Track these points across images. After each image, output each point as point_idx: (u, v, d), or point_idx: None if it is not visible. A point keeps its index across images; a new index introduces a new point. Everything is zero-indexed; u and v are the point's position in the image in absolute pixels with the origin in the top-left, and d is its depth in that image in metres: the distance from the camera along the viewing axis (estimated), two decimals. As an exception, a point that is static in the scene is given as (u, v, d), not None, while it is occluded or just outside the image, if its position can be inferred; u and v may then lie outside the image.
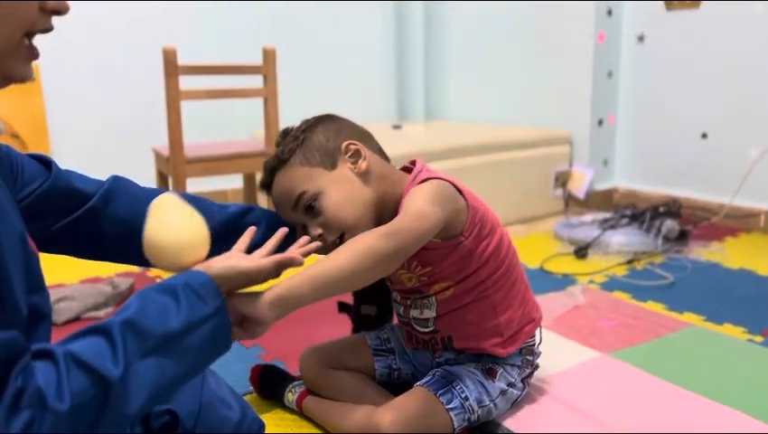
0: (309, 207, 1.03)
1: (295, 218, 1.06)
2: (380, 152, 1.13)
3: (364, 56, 3.36)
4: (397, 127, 3.06)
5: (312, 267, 0.84)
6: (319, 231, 1.02)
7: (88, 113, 2.64)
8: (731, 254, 2.25)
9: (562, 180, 2.89)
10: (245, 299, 0.78)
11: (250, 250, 1.08)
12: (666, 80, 2.76)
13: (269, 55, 2.00)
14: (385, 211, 1.06)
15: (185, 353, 0.69)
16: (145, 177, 2.30)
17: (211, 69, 1.94)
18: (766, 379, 1.31)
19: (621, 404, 1.20)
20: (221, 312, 0.73)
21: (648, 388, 1.26)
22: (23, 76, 0.65)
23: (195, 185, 2.34)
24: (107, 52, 2.67)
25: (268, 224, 1.10)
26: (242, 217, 1.09)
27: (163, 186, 2.15)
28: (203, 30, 2.84)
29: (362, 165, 1.06)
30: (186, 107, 1.92)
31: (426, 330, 1.16)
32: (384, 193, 1.07)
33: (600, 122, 2.88)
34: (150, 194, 1.02)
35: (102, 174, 1.06)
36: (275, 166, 1.07)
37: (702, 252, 2.26)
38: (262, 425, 0.93)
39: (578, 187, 2.89)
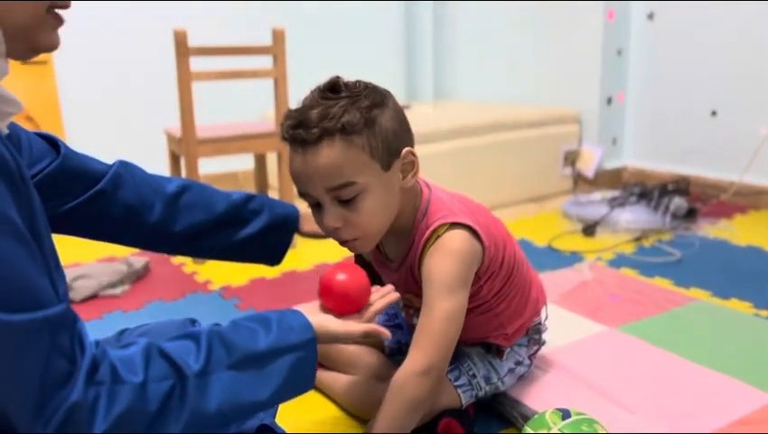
0: (345, 199, 0.90)
1: (316, 193, 0.91)
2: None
3: (373, 36, 3.35)
4: (405, 107, 3.06)
5: (377, 424, 0.93)
6: (338, 224, 0.92)
7: (100, 95, 2.67)
8: (739, 231, 2.26)
9: (571, 159, 2.89)
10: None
11: (253, 239, 1.10)
12: (675, 57, 2.74)
13: (279, 36, 2.01)
14: (397, 223, 1.00)
15: (267, 376, 0.71)
16: (158, 158, 2.34)
17: (222, 50, 1.96)
18: (770, 351, 1.33)
19: (626, 376, 1.22)
20: (310, 346, 0.75)
21: (652, 360, 1.28)
22: (51, 45, 0.65)
23: (207, 166, 2.37)
24: (119, 35, 2.69)
25: (270, 212, 1.12)
26: (245, 205, 1.10)
27: (175, 167, 2.18)
28: (213, 11, 2.85)
29: (410, 180, 0.96)
30: (196, 87, 1.94)
31: None
32: (405, 205, 1.00)
33: (609, 100, 2.88)
34: (155, 181, 1.05)
35: (115, 156, 1.08)
36: (326, 132, 0.87)
37: (710, 229, 2.27)
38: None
39: (587, 166, 2.89)
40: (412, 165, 0.96)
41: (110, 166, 1.01)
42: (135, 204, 1.00)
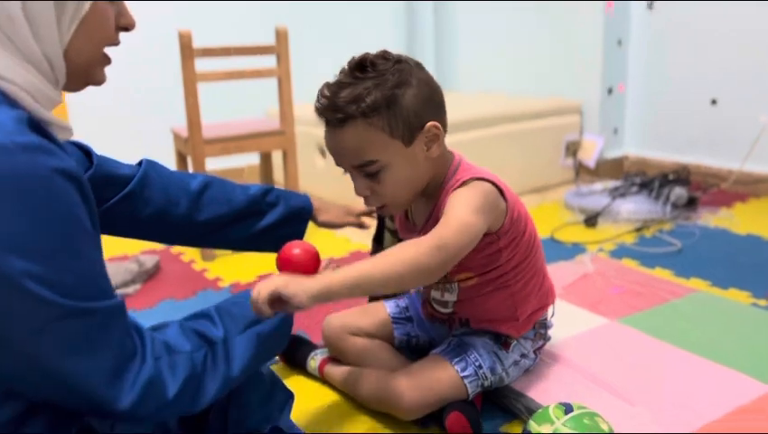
0: (371, 173, 1.00)
1: (345, 168, 1.02)
2: (446, 124, 1.06)
3: (375, 29, 3.37)
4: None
5: (357, 267, 0.88)
6: (366, 193, 1.02)
7: (106, 95, 2.70)
8: (739, 220, 2.29)
9: (573, 149, 2.92)
10: (292, 283, 0.82)
11: (270, 229, 1.17)
12: (675, 47, 2.76)
13: (282, 35, 2.03)
14: (427, 188, 1.07)
15: (266, 336, 0.85)
16: (165, 157, 2.37)
17: (226, 51, 1.98)
18: (767, 341, 1.36)
19: (626, 368, 1.26)
20: None
21: (652, 352, 1.32)
22: (101, 80, 0.76)
23: (213, 163, 2.40)
24: (125, 35, 2.70)
25: (285, 204, 1.20)
26: (263, 197, 1.18)
27: (182, 166, 2.22)
28: (216, 11, 2.87)
29: (435, 151, 1.02)
30: (200, 85, 1.96)
31: (445, 311, 1.21)
32: (435, 174, 1.06)
33: (610, 91, 2.90)
34: (179, 178, 1.11)
35: (121, 156, 1.13)
36: (350, 115, 0.95)
37: (711, 218, 2.30)
38: (291, 395, 1.00)
39: (589, 156, 2.92)
40: (436, 137, 1.01)
41: (138, 168, 1.08)
42: (163, 202, 1.09)
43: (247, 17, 2.92)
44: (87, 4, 0.69)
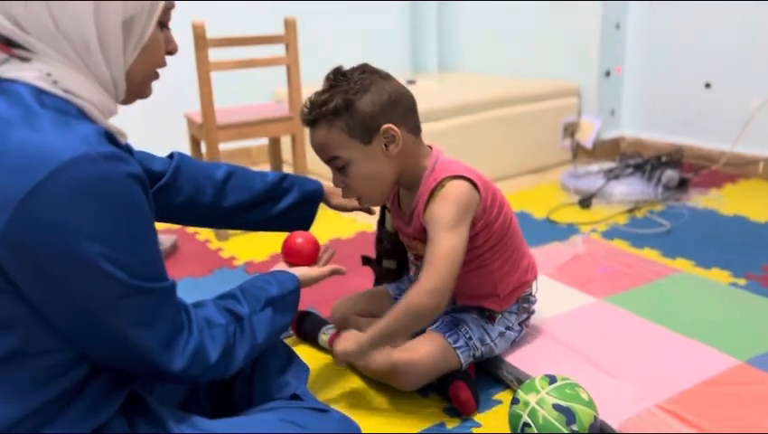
0: (339, 167, 1.17)
1: (324, 162, 1.21)
2: (416, 127, 1.21)
3: (378, 11, 3.44)
4: (411, 82, 3.17)
5: (383, 325, 1.16)
6: (341, 186, 1.20)
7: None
8: (728, 201, 2.40)
9: (570, 130, 3.01)
10: (353, 336, 1.19)
11: (286, 212, 1.33)
12: (672, 31, 2.84)
13: (290, 24, 2.12)
14: (403, 179, 1.23)
15: (283, 310, 1.02)
16: (178, 140, 2.48)
17: (238, 40, 2.08)
18: (740, 319, 1.48)
19: (609, 344, 1.38)
20: (299, 288, 1.08)
21: (634, 329, 1.45)
22: (149, 94, 0.89)
23: (224, 145, 2.51)
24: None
25: (300, 189, 1.34)
26: (280, 184, 1.32)
27: (196, 150, 2.33)
28: (226, 3, 2.95)
29: (393, 150, 1.16)
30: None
31: None
32: (406, 166, 1.20)
33: (608, 73, 2.98)
34: (205, 168, 1.26)
35: (136, 140, 1.21)
36: (317, 118, 1.14)
37: (700, 199, 2.41)
38: (307, 367, 1.13)
39: (586, 137, 3.01)
40: (393, 138, 1.15)
41: (170, 161, 1.22)
42: (192, 191, 1.23)
43: (255, 7, 2.99)
44: (148, 34, 0.81)
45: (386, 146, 1.15)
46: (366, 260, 1.58)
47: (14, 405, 0.75)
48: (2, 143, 0.70)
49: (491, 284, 1.29)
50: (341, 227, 2.26)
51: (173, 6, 0.87)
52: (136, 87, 0.85)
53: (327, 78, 1.17)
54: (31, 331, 0.75)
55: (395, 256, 1.51)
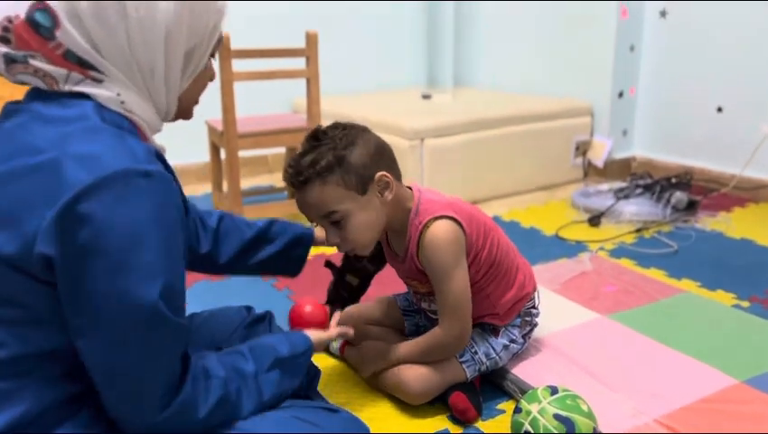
0: (335, 222, 1.18)
1: (315, 220, 1.21)
2: (399, 173, 1.25)
3: (395, 28, 3.52)
4: (426, 96, 3.24)
5: (410, 350, 1.29)
6: (337, 240, 1.20)
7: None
8: (735, 224, 2.42)
9: (582, 149, 3.06)
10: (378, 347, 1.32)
11: (276, 255, 1.33)
12: (686, 54, 2.88)
13: (312, 39, 2.19)
14: (391, 223, 1.25)
15: (292, 372, 1.00)
16: (198, 146, 2.55)
17: (261, 52, 2.15)
18: (740, 339, 1.52)
19: (611, 359, 1.42)
20: (311, 350, 1.07)
21: (636, 346, 1.48)
22: (191, 117, 0.98)
23: (242, 152, 2.57)
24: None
25: (290, 234, 1.35)
26: (269, 229, 1.34)
27: (215, 156, 2.39)
28: (244, 12, 3.02)
29: (388, 196, 1.19)
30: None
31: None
32: (395, 211, 1.23)
33: (621, 94, 3.03)
34: (201, 216, 1.27)
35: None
36: (309, 178, 1.14)
37: (708, 222, 2.44)
38: (318, 371, 1.17)
39: (598, 156, 3.06)
40: (387, 184, 1.19)
41: (215, 225, 1.27)
42: (192, 240, 1.24)
43: (273, 16, 3.06)
44: (203, 63, 0.89)
45: (380, 193, 1.19)
46: (328, 264, 1.55)
47: (42, 398, 0.79)
48: (60, 150, 0.76)
49: (489, 305, 1.34)
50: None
51: (222, 38, 0.94)
52: (183, 110, 0.93)
53: (307, 139, 1.18)
54: (64, 327, 0.79)
55: (358, 273, 1.52)
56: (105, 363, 0.78)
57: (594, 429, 1.14)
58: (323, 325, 1.16)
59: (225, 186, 2.28)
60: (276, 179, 3.10)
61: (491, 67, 3.57)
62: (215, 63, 0.98)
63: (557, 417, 1.11)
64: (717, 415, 1.23)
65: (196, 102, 0.95)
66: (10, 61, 0.79)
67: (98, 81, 0.81)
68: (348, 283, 1.54)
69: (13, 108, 0.84)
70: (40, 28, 0.78)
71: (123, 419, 0.82)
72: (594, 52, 3.01)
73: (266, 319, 1.29)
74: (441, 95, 3.28)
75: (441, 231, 1.21)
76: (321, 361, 1.48)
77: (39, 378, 0.80)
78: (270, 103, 2.94)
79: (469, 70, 3.69)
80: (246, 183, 2.87)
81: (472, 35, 3.62)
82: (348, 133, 1.17)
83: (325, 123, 1.23)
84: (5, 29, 0.78)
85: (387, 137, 1.28)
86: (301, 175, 1.15)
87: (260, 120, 2.37)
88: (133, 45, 0.81)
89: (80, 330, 0.77)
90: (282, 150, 2.97)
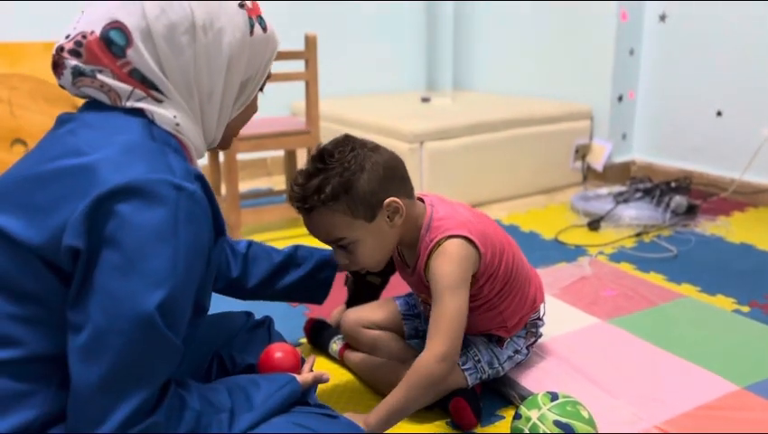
0: (343, 246, 1.16)
1: (324, 242, 1.19)
2: (411, 191, 1.21)
3: (394, 31, 3.51)
4: (425, 99, 3.23)
5: (394, 400, 1.13)
6: (345, 262, 1.18)
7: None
8: (735, 228, 2.42)
9: (582, 153, 3.05)
10: (359, 418, 1.11)
11: (303, 279, 1.33)
12: (685, 58, 2.88)
13: (311, 42, 2.19)
14: (403, 240, 1.23)
15: (270, 410, 0.94)
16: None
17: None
18: (741, 345, 1.51)
19: (611, 364, 1.41)
20: (294, 382, 1.00)
21: (636, 351, 1.48)
22: (229, 147, 1.01)
23: (240, 155, 2.57)
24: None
25: (316, 258, 1.35)
26: (295, 253, 1.34)
27: (214, 159, 2.39)
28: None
29: (398, 221, 1.16)
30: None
31: None
32: (406, 229, 1.20)
33: (620, 98, 3.03)
34: (231, 244, 1.28)
35: None
36: (315, 205, 1.10)
37: (708, 226, 2.43)
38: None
39: (597, 160, 3.05)
40: (396, 210, 1.15)
41: (244, 256, 1.28)
42: (222, 266, 1.26)
43: (274, 21, 3.05)
44: (254, 94, 0.93)
45: (389, 218, 1.15)
46: (354, 274, 1.54)
47: (53, 404, 0.78)
48: (101, 154, 0.78)
49: (500, 321, 1.32)
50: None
51: (271, 74, 0.97)
52: (225, 139, 0.96)
53: (312, 160, 1.12)
54: None
55: (380, 274, 1.51)
56: (85, 361, 0.74)
57: (595, 435, 1.13)
58: (296, 370, 1.08)
59: (223, 189, 2.27)
60: (275, 182, 3.10)
61: (491, 70, 3.57)
62: (260, 97, 1.00)
63: (557, 423, 1.10)
64: (718, 422, 1.22)
65: (237, 134, 0.98)
66: (78, 73, 0.83)
67: (158, 101, 0.84)
68: (371, 284, 1.53)
69: (66, 117, 0.87)
70: (113, 46, 0.82)
71: (83, 428, 0.75)
72: (594, 56, 3.01)
73: (265, 324, 1.29)
74: (440, 98, 3.28)
75: (454, 249, 1.17)
76: (320, 366, 1.48)
77: (53, 384, 0.79)
78: (269, 106, 2.93)
79: (468, 73, 3.69)
80: (244, 186, 2.87)
81: (472, 39, 3.62)
82: (356, 155, 1.11)
83: (324, 125, 1.21)
84: (78, 44, 0.82)
85: (386, 141, 1.26)
86: (306, 202, 1.11)
87: (258, 123, 2.36)
88: (197, 69, 0.84)
89: (73, 325, 0.75)
90: (281, 153, 2.97)
